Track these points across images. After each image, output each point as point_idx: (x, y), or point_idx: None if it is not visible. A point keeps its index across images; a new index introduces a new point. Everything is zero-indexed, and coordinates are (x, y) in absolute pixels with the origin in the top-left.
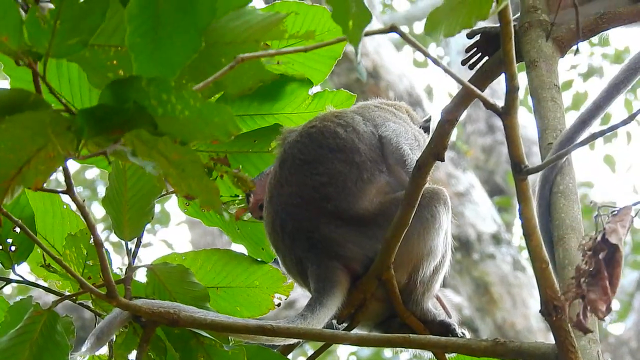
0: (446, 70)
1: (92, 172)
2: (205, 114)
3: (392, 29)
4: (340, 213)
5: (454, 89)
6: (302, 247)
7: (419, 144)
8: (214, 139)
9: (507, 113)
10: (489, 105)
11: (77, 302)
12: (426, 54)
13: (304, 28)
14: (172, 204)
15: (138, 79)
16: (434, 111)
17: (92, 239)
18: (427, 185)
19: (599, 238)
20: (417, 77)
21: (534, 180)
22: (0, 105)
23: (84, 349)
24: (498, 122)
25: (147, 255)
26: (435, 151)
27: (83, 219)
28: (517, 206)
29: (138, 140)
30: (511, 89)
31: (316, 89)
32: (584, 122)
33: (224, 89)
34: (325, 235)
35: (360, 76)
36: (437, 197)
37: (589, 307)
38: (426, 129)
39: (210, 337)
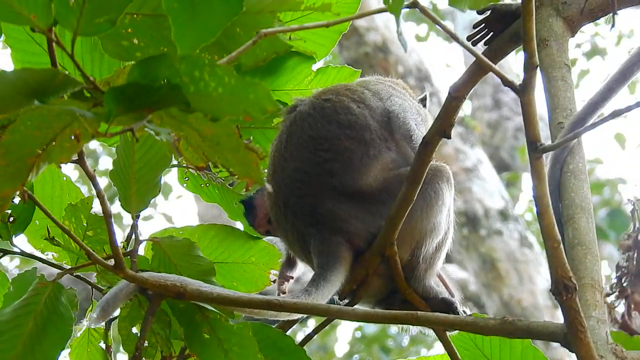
0: (464, 46)
1: (95, 142)
2: (240, 91)
3: (414, 4)
4: (345, 189)
5: (456, 64)
6: (305, 222)
7: (422, 119)
8: (247, 116)
9: (524, 91)
10: (507, 82)
11: (74, 274)
12: (445, 29)
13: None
14: (172, 176)
15: (169, 56)
16: (442, 87)
17: (92, 210)
18: (431, 162)
19: (639, 237)
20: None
21: None
22: (28, 86)
23: (90, 320)
24: (504, 98)
25: (147, 229)
26: (442, 128)
27: (93, 189)
28: (526, 182)
29: (167, 116)
30: (530, 67)
31: (319, 64)
32: (596, 103)
33: (238, 60)
34: (329, 210)
35: (402, 47)
36: (440, 174)
37: (633, 307)
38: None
39: (216, 311)
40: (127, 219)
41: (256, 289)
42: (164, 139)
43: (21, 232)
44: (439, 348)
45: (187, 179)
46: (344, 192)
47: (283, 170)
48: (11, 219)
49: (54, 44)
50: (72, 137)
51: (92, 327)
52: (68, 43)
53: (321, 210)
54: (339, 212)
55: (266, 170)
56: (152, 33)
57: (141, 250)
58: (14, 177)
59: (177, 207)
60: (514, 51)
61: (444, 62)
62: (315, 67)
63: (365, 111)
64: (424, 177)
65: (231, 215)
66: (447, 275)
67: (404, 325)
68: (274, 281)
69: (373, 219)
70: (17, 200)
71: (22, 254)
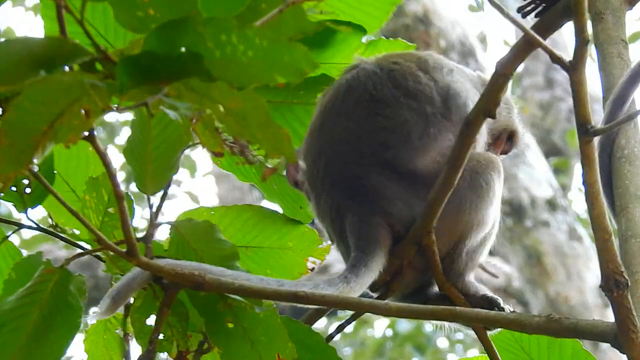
0: (509, 18)
1: (113, 115)
2: (274, 54)
3: None
4: (397, 165)
5: (511, 37)
6: (344, 192)
7: None
8: (280, 81)
9: (575, 68)
10: (556, 59)
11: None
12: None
13: None
14: (199, 152)
15: (192, 19)
16: (489, 63)
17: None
18: (482, 152)
19: None
20: (471, 24)
21: None
22: (34, 55)
23: (98, 310)
24: (558, 77)
25: (170, 209)
26: (487, 107)
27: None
28: (578, 170)
29: (186, 89)
30: (581, 42)
31: (368, 36)
32: (635, 77)
33: None
34: (375, 186)
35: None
36: (492, 165)
37: None
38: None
39: (240, 299)
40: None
41: (292, 277)
42: (179, 118)
43: (39, 204)
44: (476, 350)
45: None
46: (396, 169)
47: (333, 125)
48: (28, 190)
49: (62, 10)
50: (82, 112)
51: (100, 318)
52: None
53: (366, 184)
54: (385, 190)
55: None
56: (170, 3)
57: (161, 235)
58: (18, 158)
59: (204, 185)
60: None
61: (502, 37)
62: (365, 39)
63: (431, 82)
64: (476, 166)
65: (269, 197)
66: (489, 264)
67: (440, 323)
68: (312, 269)
69: (421, 205)
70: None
71: (38, 228)
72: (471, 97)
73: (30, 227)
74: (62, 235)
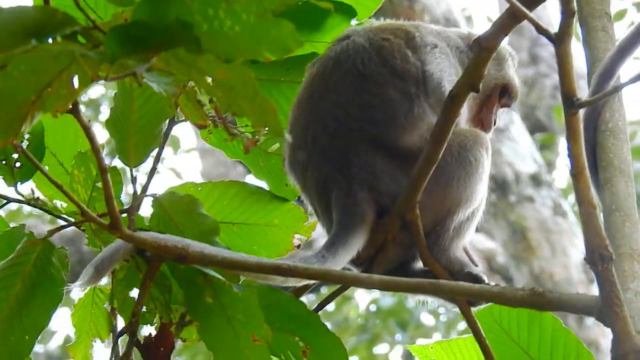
0: None
1: (97, 91)
2: (260, 29)
3: None
4: (385, 142)
5: (495, 14)
6: (333, 166)
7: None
8: (266, 57)
9: (560, 40)
10: (542, 30)
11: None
12: None
13: None
14: (181, 129)
15: None
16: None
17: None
18: (469, 128)
19: None
20: (455, 0)
21: None
22: (24, 25)
23: (81, 280)
24: (542, 53)
25: (154, 185)
26: (471, 81)
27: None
28: (563, 145)
29: (174, 59)
30: (567, 13)
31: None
32: (624, 50)
33: None
34: (362, 162)
35: None
36: (480, 141)
37: None
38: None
39: (219, 275)
40: (139, 175)
41: (278, 254)
42: (162, 91)
43: (28, 179)
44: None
45: (210, 132)
46: (385, 145)
47: (321, 99)
48: (17, 164)
49: None
50: (71, 82)
51: (84, 289)
52: None
53: (354, 159)
54: (374, 165)
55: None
56: None
57: (145, 210)
58: (6, 129)
59: (187, 161)
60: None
61: (485, 13)
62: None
63: (418, 63)
64: (465, 142)
65: (256, 173)
66: (471, 245)
67: (423, 298)
68: (298, 246)
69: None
70: (24, 144)
71: (27, 202)
72: (448, 78)
73: (16, 201)
74: (46, 208)
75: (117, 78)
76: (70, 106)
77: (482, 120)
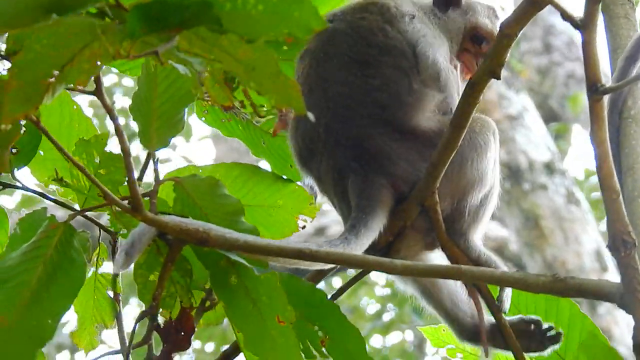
0: None
1: (110, 79)
2: (283, 9)
3: None
4: (398, 125)
5: (508, 3)
6: (347, 155)
7: (440, 44)
8: (288, 37)
9: (586, 27)
10: (567, 17)
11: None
12: None
13: None
14: (194, 116)
15: None
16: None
17: (107, 147)
18: (476, 114)
19: None
20: None
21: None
22: (45, 0)
23: (115, 266)
24: (556, 42)
25: (165, 172)
26: (492, 68)
27: (112, 122)
28: (576, 135)
29: (197, 38)
30: (592, 0)
31: None
32: None
33: None
34: (378, 147)
35: None
36: (488, 126)
37: None
38: None
39: (241, 259)
40: (142, 160)
41: (282, 235)
42: (188, 72)
43: (25, 164)
44: None
45: (206, 111)
46: (397, 129)
47: (324, 91)
48: (14, 150)
49: None
50: (92, 57)
51: (117, 273)
52: None
53: (368, 146)
54: (389, 150)
55: None
56: None
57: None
58: (28, 100)
59: (199, 149)
60: None
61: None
62: None
63: (399, 35)
64: (474, 126)
65: (255, 152)
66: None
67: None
68: (303, 227)
69: (424, 165)
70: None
71: (25, 188)
72: (438, 52)
73: (16, 187)
74: (44, 194)
75: (139, 56)
76: (94, 87)
77: (465, 64)
